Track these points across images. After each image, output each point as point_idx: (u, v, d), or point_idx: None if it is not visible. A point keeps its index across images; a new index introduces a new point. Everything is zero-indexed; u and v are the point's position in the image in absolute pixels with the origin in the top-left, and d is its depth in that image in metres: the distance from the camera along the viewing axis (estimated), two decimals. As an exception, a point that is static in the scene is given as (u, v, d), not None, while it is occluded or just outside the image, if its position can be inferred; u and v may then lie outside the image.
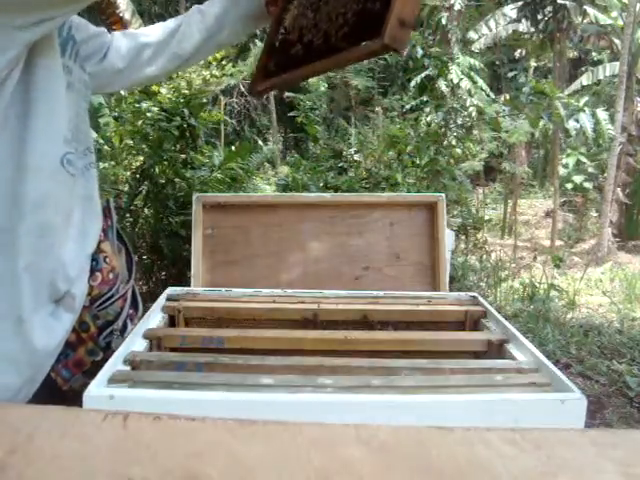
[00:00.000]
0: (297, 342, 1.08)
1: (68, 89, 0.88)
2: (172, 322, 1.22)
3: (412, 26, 0.93)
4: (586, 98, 10.29)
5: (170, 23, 1.15)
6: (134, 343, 1.02)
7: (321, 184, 4.03)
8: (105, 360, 0.91)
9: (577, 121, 8.42)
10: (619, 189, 10.89)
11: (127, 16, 5.97)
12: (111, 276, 0.94)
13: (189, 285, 1.58)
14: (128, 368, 0.93)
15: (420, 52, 5.87)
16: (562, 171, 11.72)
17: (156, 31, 1.14)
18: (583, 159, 11.61)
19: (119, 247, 1.07)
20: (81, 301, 0.90)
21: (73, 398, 0.90)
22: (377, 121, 6.22)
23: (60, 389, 0.91)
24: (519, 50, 14.01)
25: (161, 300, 1.25)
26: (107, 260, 0.96)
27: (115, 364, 0.91)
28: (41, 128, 0.83)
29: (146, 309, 1.22)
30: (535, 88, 6.00)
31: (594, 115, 9.51)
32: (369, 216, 1.74)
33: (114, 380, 0.86)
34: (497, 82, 13.78)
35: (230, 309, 1.24)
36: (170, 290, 1.32)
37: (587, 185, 11.88)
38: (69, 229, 0.90)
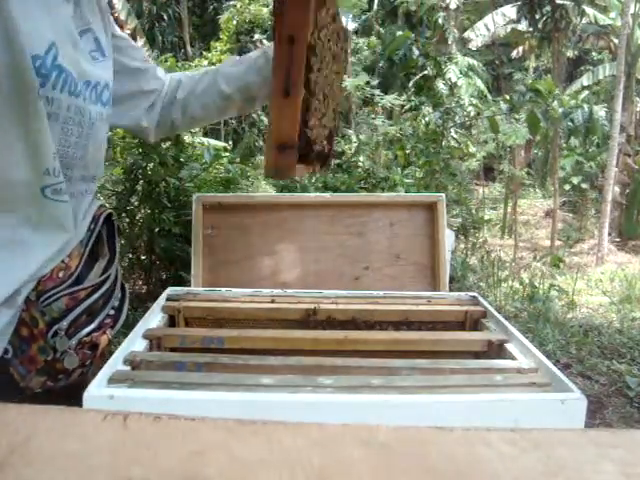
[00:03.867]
0: (297, 342, 1.08)
1: (50, 119, 0.88)
2: (172, 322, 1.22)
3: (294, 145, 0.97)
4: (585, 93, 10.24)
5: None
6: (134, 343, 1.02)
7: (320, 184, 4.04)
8: (55, 360, 0.91)
9: (572, 121, 8.42)
10: (617, 189, 10.89)
11: (122, 16, 5.96)
12: (61, 274, 0.93)
13: (189, 285, 1.58)
14: (128, 368, 0.93)
15: (416, 52, 5.88)
16: (561, 172, 11.73)
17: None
18: (581, 159, 11.60)
19: (101, 252, 1.05)
20: (23, 298, 0.89)
21: (31, 397, 0.91)
22: (377, 121, 6.23)
23: (18, 386, 0.91)
24: (517, 50, 14.00)
25: (161, 300, 1.25)
26: (64, 259, 0.95)
27: (115, 364, 0.91)
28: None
29: (146, 309, 1.22)
30: (530, 86, 6.00)
31: (591, 113, 9.49)
32: (369, 216, 1.73)
33: (114, 380, 0.86)
34: (497, 82, 13.78)
35: (230, 309, 1.24)
36: (170, 290, 1.32)
37: (585, 186, 11.88)
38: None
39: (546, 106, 5.44)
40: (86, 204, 1.04)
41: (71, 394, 0.81)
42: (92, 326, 0.95)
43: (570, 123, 8.10)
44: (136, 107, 1.17)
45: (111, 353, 0.95)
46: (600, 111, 9.53)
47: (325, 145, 1.14)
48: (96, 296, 0.97)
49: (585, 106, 7.92)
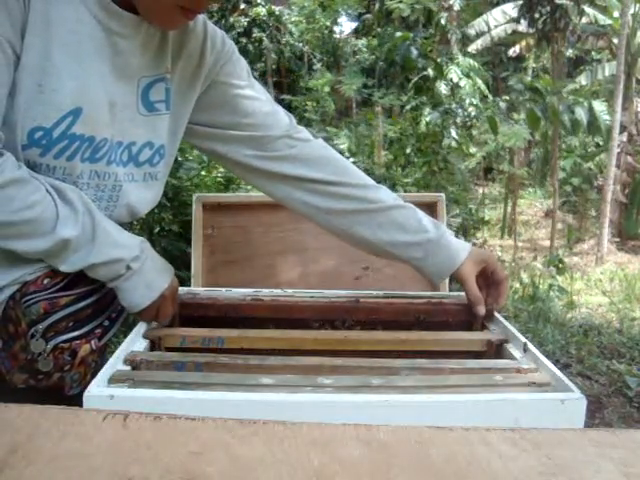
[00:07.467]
0: (297, 342, 1.07)
1: None
2: (172, 322, 1.22)
3: None
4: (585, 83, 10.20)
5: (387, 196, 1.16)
6: (134, 343, 1.02)
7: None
8: (33, 361, 0.92)
9: (573, 112, 8.36)
10: (618, 189, 10.88)
11: None
12: (46, 281, 0.94)
13: (189, 285, 1.58)
14: (128, 368, 0.93)
15: (415, 53, 5.85)
16: (560, 173, 11.72)
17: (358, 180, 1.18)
18: (579, 161, 11.61)
19: None
20: (6, 297, 0.92)
21: (14, 391, 0.93)
22: (376, 121, 6.22)
23: (4, 379, 0.94)
24: (514, 49, 13.98)
25: (161, 300, 1.25)
26: (54, 268, 0.95)
27: (115, 364, 0.91)
28: None
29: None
30: (529, 84, 6.01)
31: (590, 107, 9.44)
32: (369, 216, 1.73)
33: (114, 380, 0.86)
34: (495, 82, 13.78)
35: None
36: (170, 290, 1.31)
37: (585, 187, 11.88)
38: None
39: (544, 103, 5.45)
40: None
41: (50, 395, 0.83)
42: (76, 333, 0.95)
43: (571, 114, 8.04)
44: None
45: (111, 354, 0.95)
46: (600, 106, 9.46)
47: None
48: (82, 304, 0.96)
49: (585, 102, 7.90)
